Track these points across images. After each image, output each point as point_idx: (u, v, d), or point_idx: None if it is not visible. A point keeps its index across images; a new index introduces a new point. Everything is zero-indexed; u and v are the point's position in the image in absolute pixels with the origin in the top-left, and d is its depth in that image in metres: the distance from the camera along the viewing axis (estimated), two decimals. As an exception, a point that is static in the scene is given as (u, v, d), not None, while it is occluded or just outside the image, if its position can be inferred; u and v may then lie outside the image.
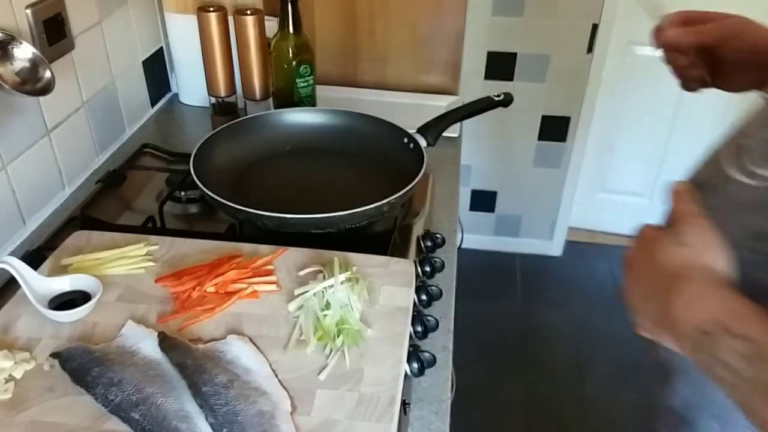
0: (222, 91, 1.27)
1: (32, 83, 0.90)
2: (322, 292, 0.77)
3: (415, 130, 1.06)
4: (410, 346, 0.76)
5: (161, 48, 1.41)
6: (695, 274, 0.56)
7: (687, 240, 0.58)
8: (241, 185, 1.03)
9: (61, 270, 0.83)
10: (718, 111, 2.14)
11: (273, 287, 0.81)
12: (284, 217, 0.87)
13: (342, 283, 0.77)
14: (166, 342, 0.71)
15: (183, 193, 1.05)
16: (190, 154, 0.99)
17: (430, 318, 0.82)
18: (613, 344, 2.16)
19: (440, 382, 0.80)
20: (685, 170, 0.74)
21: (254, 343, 0.73)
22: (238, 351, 0.71)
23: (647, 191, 2.56)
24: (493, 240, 2.60)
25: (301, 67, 1.22)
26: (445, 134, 1.09)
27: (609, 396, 2.01)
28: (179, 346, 0.71)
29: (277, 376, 0.69)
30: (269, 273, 0.83)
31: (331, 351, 0.72)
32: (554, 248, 2.62)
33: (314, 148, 1.13)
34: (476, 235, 2.58)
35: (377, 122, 1.11)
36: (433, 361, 0.77)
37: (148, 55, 1.36)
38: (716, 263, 0.57)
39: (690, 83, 0.83)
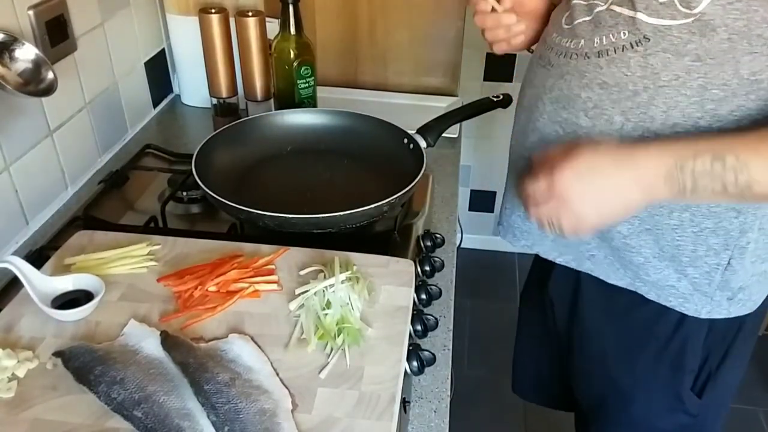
0: (223, 92, 1.28)
1: (35, 84, 0.90)
2: (323, 291, 0.77)
3: (415, 131, 1.07)
4: (410, 344, 0.76)
5: (163, 49, 1.42)
6: (633, 149, 0.72)
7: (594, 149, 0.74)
8: (243, 185, 1.04)
9: (64, 269, 0.83)
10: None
11: (274, 286, 0.82)
12: (285, 217, 0.88)
13: (342, 282, 0.78)
14: (168, 341, 0.71)
15: (185, 194, 1.05)
16: (191, 155, 0.99)
17: (429, 317, 0.82)
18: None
19: (440, 380, 0.81)
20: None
21: (255, 342, 0.74)
22: (240, 350, 0.72)
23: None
24: (492, 240, 2.60)
25: (302, 69, 1.23)
26: (444, 135, 1.09)
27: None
28: (181, 345, 0.71)
29: (278, 374, 0.70)
30: (270, 272, 0.84)
31: (331, 350, 0.73)
32: (554, 248, 2.62)
33: (315, 148, 1.13)
34: (475, 234, 2.58)
35: (377, 123, 1.11)
36: (432, 360, 0.78)
37: (150, 56, 1.36)
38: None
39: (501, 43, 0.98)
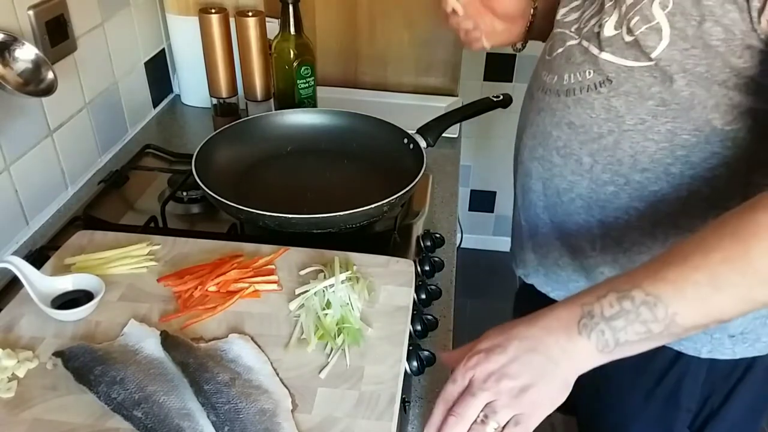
0: (223, 92, 1.28)
1: (35, 84, 0.90)
2: (323, 291, 0.77)
3: (415, 131, 1.07)
4: (410, 344, 0.76)
5: (163, 49, 1.42)
6: (541, 312, 0.62)
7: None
8: (243, 185, 1.04)
9: (64, 269, 0.83)
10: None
11: (274, 286, 0.82)
12: (285, 217, 0.88)
13: (342, 282, 0.78)
14: (168, 341, 0.71)
15: (185, 194, 1.05)
16: (191, 155, 0.99)
17: (429, 317, 0.82)
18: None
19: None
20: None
21: (255, 342, 0.74)
22: (240, 350, 0.72)
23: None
24: (492, 240, 2.60)
25: (302, 69, 1.23)
26: (444, 135, 1.09)
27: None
28: (181, 345, 0.71)
29: (278, 374, 0.70)
30: (270, 272, 0.84)
31: (331, 350, 0.73)
32: (554, 248, 2.62)
33: (315, 148, 1.13)
34: (475, 234, 2.58)
35: (377, 123, 1.11)
36: (432, 360, 0.78)
37: (150, 56, 1.36)
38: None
39: (473, 43, 0.98)
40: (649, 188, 0.74)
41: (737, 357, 0.81)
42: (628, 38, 0.69)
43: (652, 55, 0.67)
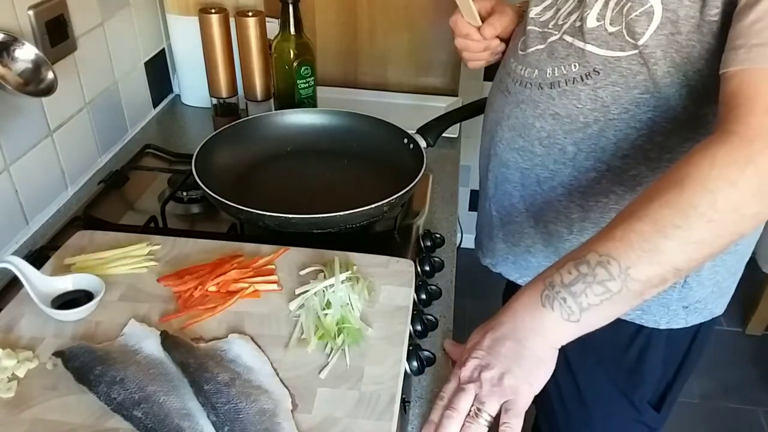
0: (223, 92, 1.28)
1: (35, 84, 0.90)
2: (323, 291, 0.77)
3: (415, 131, 1.07)
4: (410, 344, 0.76)
5: (163, 49, 1.42)
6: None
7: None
8: (243, 185, 1.04)
9: (64, 269, 0.83)
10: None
11: (274, 287, 0.82)
12: (285, 217, 0.88)
13: (342, 282, 0.77)
14: (168, 341, 0.71)
15: (185, 194, 1.05)
16: (192, 155, 0.99)
17: (429, 317, 0.82)
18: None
19: (440, 380, 0.81)
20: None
21: (255, 342, 0.74)
22: (240, 350, 0.72)
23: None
24: (493, 240, 2.60)
25: (302, 69, 1.23)
26: (444, 135, 1.10)
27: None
28: (181, 345, 0.71)
29: (278, 374, 0.70)
30: (270, 272, 0.84)
31: (331, 350, 0.73)
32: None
33: (315, 148, 1.13)
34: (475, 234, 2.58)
35: (377, 123, 1.11)
36: (432, 360, 0.78)
37: (150, 56, 1.36)
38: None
39: (474, 62, 0.98)
40: (629, 172, 0.77)
41: (689, 325, 0.86)
42: (611, 29, 0.72)
43: (639, 42, 0.69)
